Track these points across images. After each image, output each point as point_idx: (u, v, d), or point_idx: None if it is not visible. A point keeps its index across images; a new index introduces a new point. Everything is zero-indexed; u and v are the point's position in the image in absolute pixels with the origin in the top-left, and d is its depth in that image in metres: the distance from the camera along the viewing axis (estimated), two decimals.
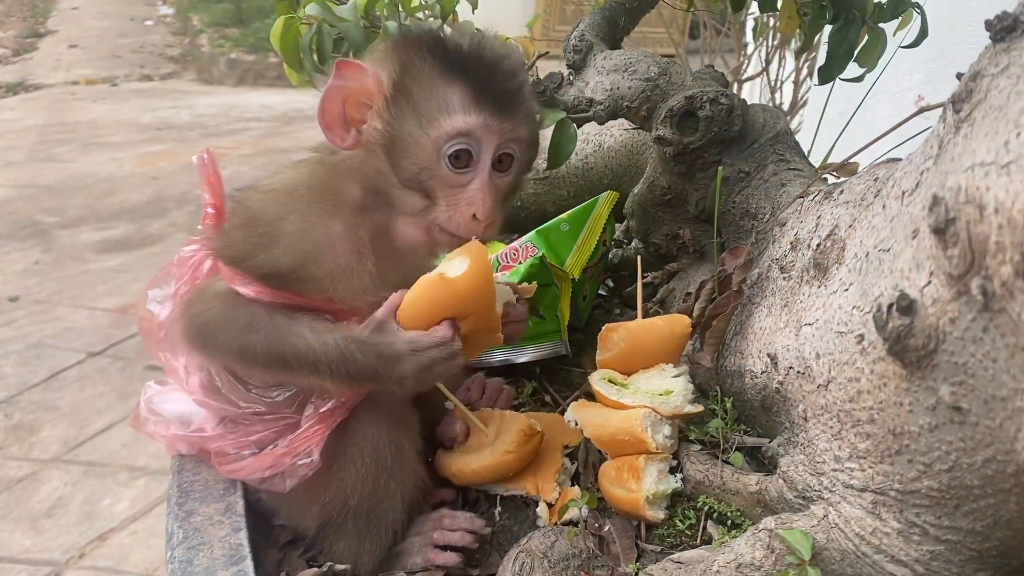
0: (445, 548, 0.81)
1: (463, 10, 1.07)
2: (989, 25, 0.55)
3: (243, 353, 0.76)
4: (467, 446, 0.88)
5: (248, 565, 0.72)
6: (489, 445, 0.85)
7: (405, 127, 0.74)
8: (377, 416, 0.80)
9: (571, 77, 1.02)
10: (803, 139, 1.62)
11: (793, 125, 2.10)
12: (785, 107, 2.21)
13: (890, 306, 0.54)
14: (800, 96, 2.25)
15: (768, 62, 2.10)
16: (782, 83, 2.20)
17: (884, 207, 0.64)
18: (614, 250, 1.27)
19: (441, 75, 0.74)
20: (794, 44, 1.81)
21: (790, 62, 2.20)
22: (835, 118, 1.46)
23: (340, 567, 0.79)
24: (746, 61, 2.37)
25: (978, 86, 0.53)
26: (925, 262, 0.53)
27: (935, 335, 0.52)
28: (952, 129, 0.55)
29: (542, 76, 1.01)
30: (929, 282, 0.52)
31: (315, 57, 0.91)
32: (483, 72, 0.75)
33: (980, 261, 0.47)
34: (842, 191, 0.77)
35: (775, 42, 2.07)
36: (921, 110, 0.71)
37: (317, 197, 0.78)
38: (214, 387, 0.82)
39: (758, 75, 2.20)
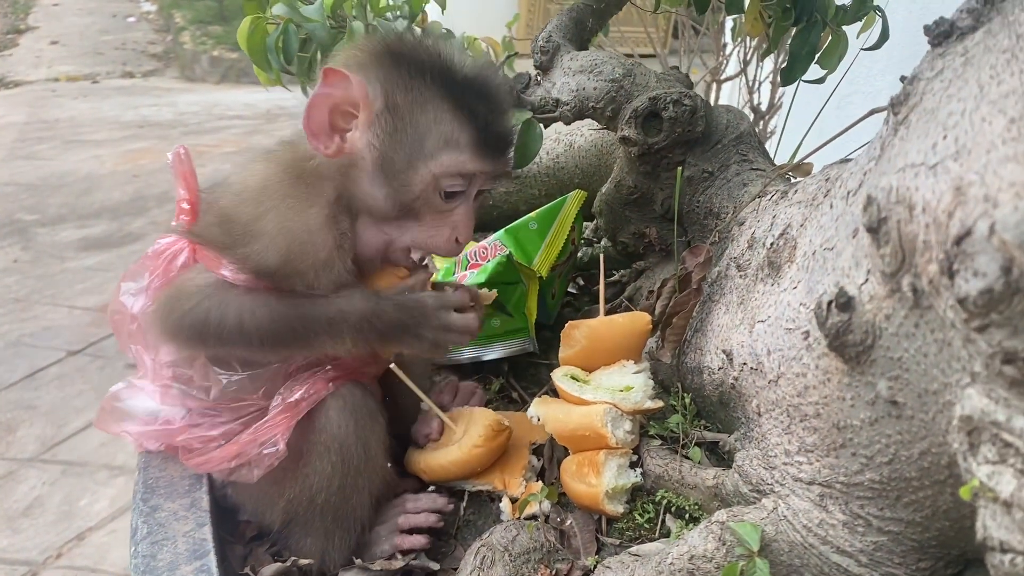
0: (411, 532, 0.82)
1: (432, 11, 1.08)
2: (927, 30, 0.57)
3: (249, 330, 0.76)
4: (437, 443, 0.89)
5: (211, 560, 0.73)
6: (458, 441, 0.86)
7: (403, 152, 0.75)
8: (345, 413, 0.80)
9: (538, 78, 1.03)
10: (784, 141, 1.64)
11: (770, 127, 2.12)
12: (763, 107, 2.23)
13: (830, 303, 0.55)
14: (778, 98, 2.27)
15: (746, 63, 2.11)
16: (760, 84, 2.22)
17: (831, 206, 0.66)
18: (583, 249, 1.28)
19: (448, 108, 0.75)
20: (752, 44, 1.82)
21: (769, 62, 2.22)
22: (809, 121, 1.48)
23: (304, 562, 0.80)
24: (724, 62, 2.38)
25: (915, 89, 0.55)
26: (863, 260, 0.55)
27: (872, 331, 0.53)
28: (892, 131, 0.56)
29: (512, 76, 1.02)
30: (867, 279, 0.54)
31: (281, 57, 0.92)
32: (489, 112, 0.77)
33: (910, 259, 0.48)
34: (796, 191, 0.78)
35: (753, 43, 2.09)
36: (871, 112, 0.73)
37: (290, 192, 0.78)
38: (186, 378, 0.82)
39: (736, 75, 2.22)
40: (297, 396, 0.79)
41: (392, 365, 0.82)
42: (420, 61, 0.75)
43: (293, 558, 0.80)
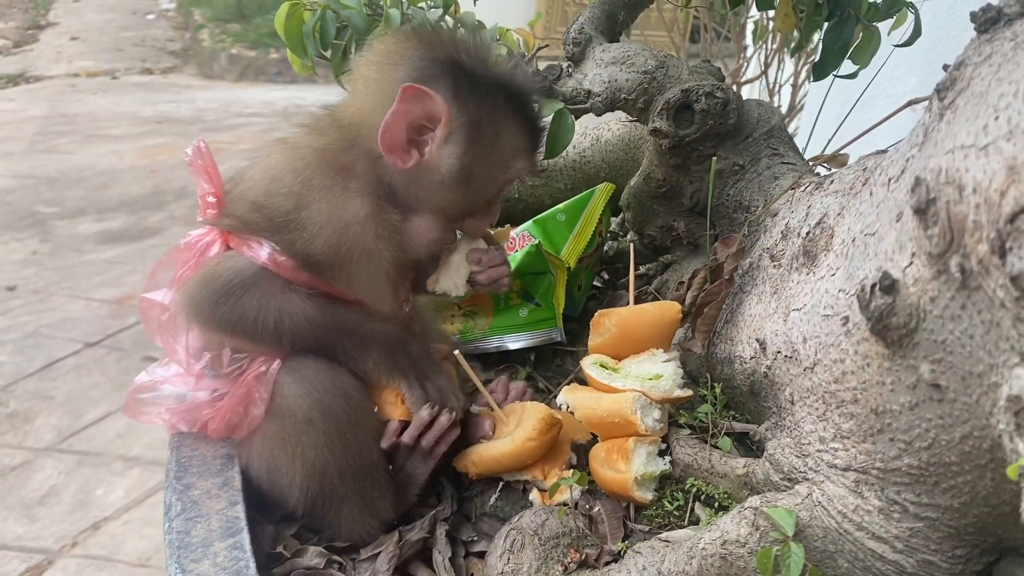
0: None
1: (464, 2, 1.08)
2: (974, 17, 0.57)
3: (284, 332, 0.79)
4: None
5: (244, 537, 0.74)
6: (510, 434, 0.85)
7: (483, 163, 0.80)
8: (298, 382, 0.80)
9: (570, 69, 1.03)
10: (800, 141, 1.65)
11: (791, 128, 2.12)
12: (784, 110, 2.23)
13: (873, 286, 0.55)
14: (798, 100, 2.27)
15: (767, 65, 2.12)
16: (781, 86, 2.23)
17: (871, 194, 0.66)
18: (609, 243, 1.28)
19: (515, 121, 0.81)
20: (791, 42, 1.83)
21: (789, 65, 2.23)
22: (832, 121, 1.48)
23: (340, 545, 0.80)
24: (745, 64, 2.39)
25: (962, 74, 0.55)
26: (908, 243, 0.55)
27: (916, 313, 0.53)
28: (937, 117, 0.57)
29: (541, 68, 1.03)
30: (911, 262, 0.54)
31: (318, 44, 0.93)
32: (537, 118, 0.85)
33: (959, 240, 0.48)
34: (832, 181, 0.78)
35: (774, 45, 2.10)
36: (911, 102, 0.73)
37: (333, 183, 0.79)
38: (219, 363, 0.83)
39: (757, 78, 2.22)
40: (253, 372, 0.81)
41: (456, 352, 0.84)
42: (488, 78, 0.79)
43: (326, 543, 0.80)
